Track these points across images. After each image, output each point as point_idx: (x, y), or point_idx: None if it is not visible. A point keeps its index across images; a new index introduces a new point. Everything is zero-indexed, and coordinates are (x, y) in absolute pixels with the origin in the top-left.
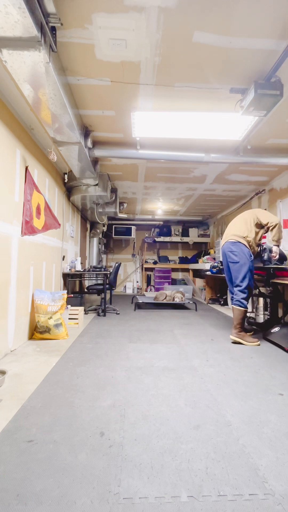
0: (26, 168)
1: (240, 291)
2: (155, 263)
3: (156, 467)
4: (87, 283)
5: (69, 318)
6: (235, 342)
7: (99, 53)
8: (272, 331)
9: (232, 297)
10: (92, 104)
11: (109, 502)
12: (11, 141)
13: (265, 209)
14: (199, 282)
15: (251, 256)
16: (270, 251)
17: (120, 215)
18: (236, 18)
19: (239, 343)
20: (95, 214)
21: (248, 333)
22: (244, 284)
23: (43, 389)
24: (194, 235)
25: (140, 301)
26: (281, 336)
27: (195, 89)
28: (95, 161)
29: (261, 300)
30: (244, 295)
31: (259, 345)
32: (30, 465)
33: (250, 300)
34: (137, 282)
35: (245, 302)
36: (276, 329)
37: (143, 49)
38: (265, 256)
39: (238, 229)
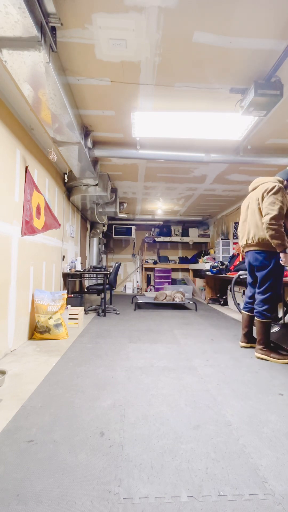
0: (26, 168)
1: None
2: (155, 263)
3: (156, 467)
4: (87, 283)
5: (69, 318)
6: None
7: (99, 53)
8: (272, 331)
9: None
10: (92, 104)
11: (109, 502)
12: (11, 141)
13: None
14: (199, 282)
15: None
16: None
17: (120, 215)
18: (236, 18)
19: (265, 360)
20: (95, 214)
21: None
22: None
23: (43, 389)
24: (194, 235)
25: (140, 301)
26: (281, 336)
27: (195, 89)
28: (95, 161)
29: None
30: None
31: None
32: (30, 465)
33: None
34: (137, 282)
35: (267, 313)
36: (276, 329)
37: (143, 49)
38: None
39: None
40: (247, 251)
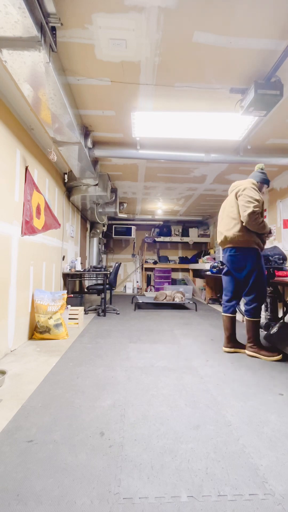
0: (26, 168)
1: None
2: (155, 263)
3: (156, 467)
4: (87, 283)
5: (69, 318)
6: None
7: (99, 53)
8: (271, 331)
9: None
10: (92, 104)
11: (109, 502)
12: (11, 141)
13: (265, 210)
14: (199, 282)
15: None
16: None
17: (120, 215)
18: (236, 18)
19: (256, 357)
20: (95, 214)
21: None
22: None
23: (43, 389)
24: (194, 235)
25: (140, 301)
26: (280, 336)
27: (195, 89)
28: (95, 161)
29: None
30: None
31: (280, 359)
32: (30, 465)
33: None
34: (137, 282)
35: (255, 312)
36: (275, 329)
37: (143, 49)
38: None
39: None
40: (224, 248)
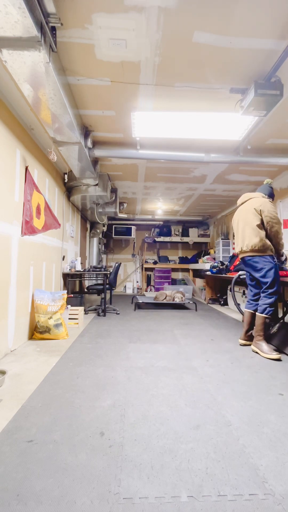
0: (26, 168)
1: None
2: (155, 263)
3: (156, 467)
4: (87, 283)
5: (69, 318)
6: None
7: (99, 53)
8: (271, 331)
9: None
10: (92, 104)
11: (109, 502)
12: (11, 141)
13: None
14: (199, 282)
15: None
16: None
17: (120, 215)
18: (236, 18)
19: (257, 353)
20: (95, 214)
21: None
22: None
23: (43, 389)
24: (194, 235)
25: (140, 301)
26: (279, 336)
27: (195, 89)
28: (95, 161)
29: None
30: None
31: (279, 359)
32: (30, 465)
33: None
34: (137, 282)
35: (269, 309)
36: (275, 329)
37: (143, 49)
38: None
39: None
40: (242, 257)
